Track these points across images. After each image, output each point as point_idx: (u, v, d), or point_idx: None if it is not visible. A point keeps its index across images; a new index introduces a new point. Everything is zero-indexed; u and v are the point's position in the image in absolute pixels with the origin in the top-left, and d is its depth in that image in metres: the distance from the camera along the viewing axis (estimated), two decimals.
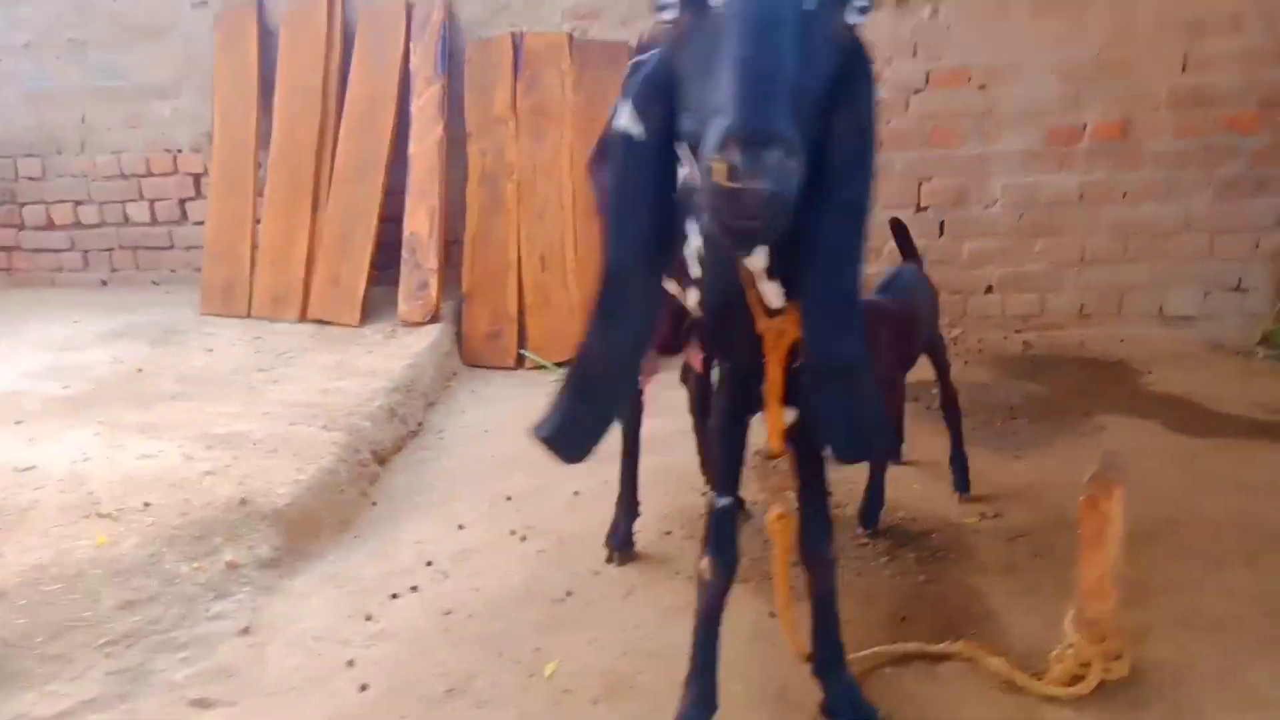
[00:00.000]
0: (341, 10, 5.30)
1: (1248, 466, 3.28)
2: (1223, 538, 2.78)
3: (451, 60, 5.18)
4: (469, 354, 4.92)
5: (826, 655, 2.10)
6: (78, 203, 6.01)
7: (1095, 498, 2.06)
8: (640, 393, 2.76)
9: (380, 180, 5.10)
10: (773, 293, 1.65)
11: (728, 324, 1.80)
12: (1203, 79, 4.59)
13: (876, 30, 4.77)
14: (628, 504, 2.85)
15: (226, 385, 4.07)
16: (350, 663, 2.34)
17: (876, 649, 2.28)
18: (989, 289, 5.04)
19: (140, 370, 4.31)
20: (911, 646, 2.28)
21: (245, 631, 2.47)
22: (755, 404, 1.86)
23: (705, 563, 1.94)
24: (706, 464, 2.81)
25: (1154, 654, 2.24)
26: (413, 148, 5.12)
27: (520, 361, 4.83)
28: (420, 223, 5.05)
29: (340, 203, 5.17)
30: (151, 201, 5.92)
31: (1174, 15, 4.53)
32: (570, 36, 5.06)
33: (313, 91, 5.27)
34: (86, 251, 6.09)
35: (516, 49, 5.11)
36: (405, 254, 5.04)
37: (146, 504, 2.83)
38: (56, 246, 6.12)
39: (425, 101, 5.14)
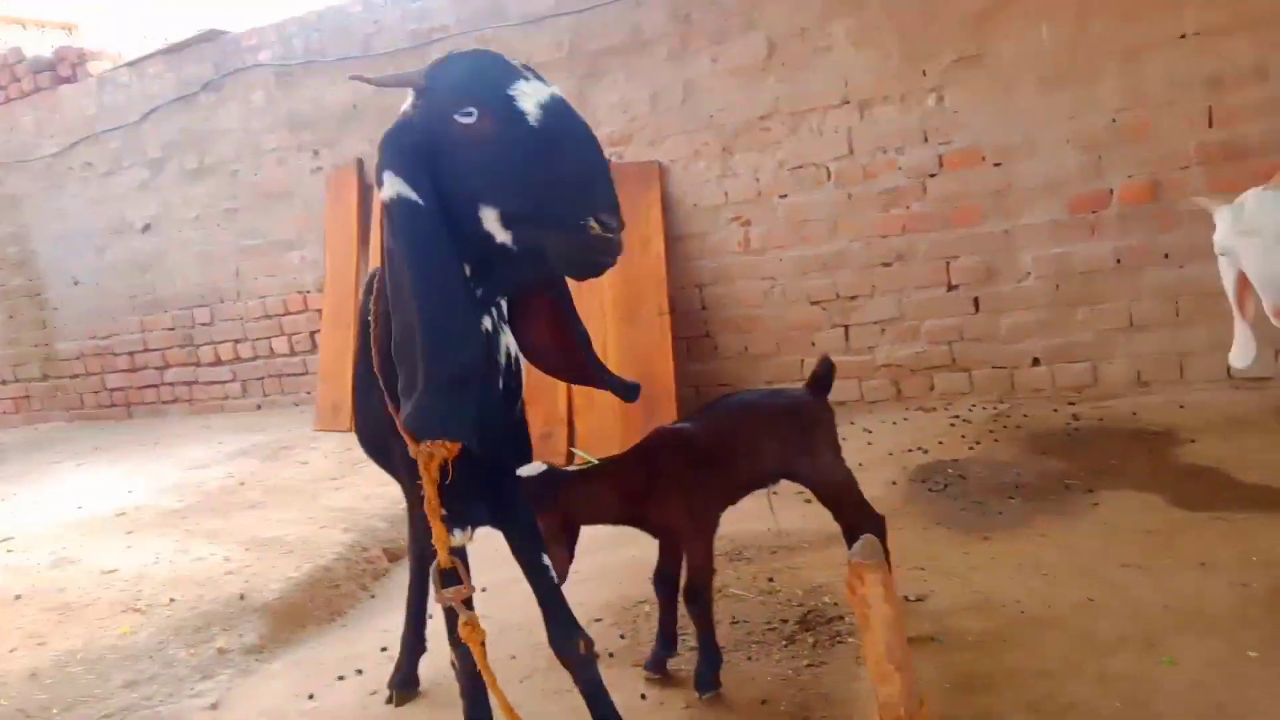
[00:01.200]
0: None
1: (1227, 542, 3.04)
2: (1135, 620, 2.63)
3: None
4: None
5: None
6: (236, 341, 7.13)
7: (851, 583, 2.12)
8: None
9: None
10: None
11: (385, 453, 2.07)
12: (1232, 133, 4.36)
13: (884, 123, 4.92)
14: (411, 640, 2.85)
15: (297, 494, 4.72)
16: None
17: None
18: (1035, 361, 4.89)
19: (242, 483, 5.07)
20: None
21: (213, 707, 2.95)
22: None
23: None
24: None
25: None
26: None
27: (570, 459, 5.20)
28: None
29: None
30: (290, 335, 6.91)
31: (1189, 73, 4.36)
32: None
33: None
34: (245, 381, 7.17)
35: None
36: None
37: (171, 599, 3.43)
38: (223, 379, 7.25)
39: None
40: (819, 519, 3.75)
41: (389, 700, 2.85)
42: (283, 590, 3.46)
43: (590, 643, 2.32)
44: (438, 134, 1.74)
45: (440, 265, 1.74)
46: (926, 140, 4.89)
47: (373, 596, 3.73)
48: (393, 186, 1.73)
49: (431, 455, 1.93)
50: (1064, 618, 2.71)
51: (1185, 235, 4.50)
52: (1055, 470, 3.98)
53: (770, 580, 3.30)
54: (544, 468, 2.56)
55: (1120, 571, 2.94)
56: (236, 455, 5.68)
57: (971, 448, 4.40)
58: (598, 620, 3.18)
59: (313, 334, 6.82)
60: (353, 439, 5.54)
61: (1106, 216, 4.63)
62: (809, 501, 3.88)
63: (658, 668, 2.74)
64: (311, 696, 2.93)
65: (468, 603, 2.10)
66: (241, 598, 3.39)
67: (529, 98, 1.70)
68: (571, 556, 2.54)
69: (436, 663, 2.94)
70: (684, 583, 2.63)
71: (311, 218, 6.64)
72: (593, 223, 1.64)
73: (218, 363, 7.25)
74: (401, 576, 3.88)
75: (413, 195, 1.72)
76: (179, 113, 7.00)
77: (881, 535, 2.83)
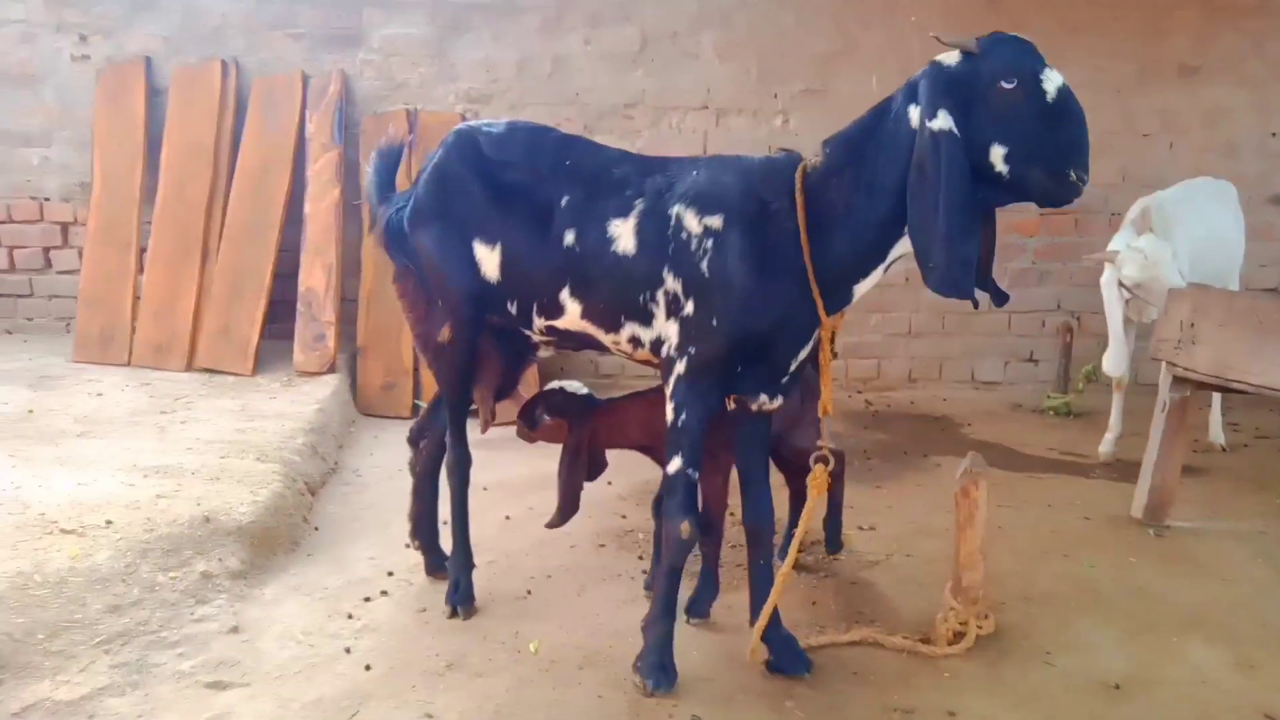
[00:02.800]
0: (235, 75, 5.50)
1: (1050, 491, 4.08)
2: (1042, 539, 3.51)
3: (347, 131, 5.47)
4: (364, 404, 5.12)
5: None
6: None
7: (967, 488, 2.66)
8: (467, 452, 2.93)
9: (274, 238, 5.27)
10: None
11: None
12: None
13: (737, 133, 5.53)
14: (463, 559, 2.93)
15: (131, 425, 4.10)
16: (347, 650, 2.57)
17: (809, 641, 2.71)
18: (835, 355, 5.79)
19: (31, 411, 4.24)
20: (828, 639, 2.72)
21: (234, 630, 2.64)
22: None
23: (685, 525, 2.42)
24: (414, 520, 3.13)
25: (1007, 618, 2.86)
26: (308, 208, 5.34)
27: (415, 411, 5.08)
28: (317, 279, 5.24)
29: (231, 258, 5.28)
30: (11, 249, 5.75)
31: None
32: (462, 117, 5.50)
33: (204, 151, 5.39)
34: None
35: (411, 123, 5.48)
36: (301, 308, 5.21)
37: (108, 521, 2.92)
38: None
39: (321, 166, 5.39)
40: None
41: (453, 615, 2.80)
42: (255, 514, 3.09)
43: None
44: (979, 89, 2.17)
45: (962, 181, 2.16)
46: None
47: (315, 528, 3.45)
48: (946, 120, 2.16)
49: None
50: (991, 538, 3.43)
51: None
52: (885, 441, 4.86)
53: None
54: (586, 389, 2.88)
55: (1000, 510, 3.78)
56: None
57: None
58: (601, 546, 3.35)
59: (47, 250, 5.75)
60: (144, 374, 4.91)
61: None
62: None
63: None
64: (350, 616, 2.76)
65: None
66: (206, 520, 2.98)
67: (1049, 81, 2.15)
68: (591, 476, 2.87)
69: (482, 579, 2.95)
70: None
71: (66, 114, 5.61)
72: (1072, 175, 2.14)
73: None
74: (325, 510, 3.66)
75: (955, 130, 2.15)
76: None
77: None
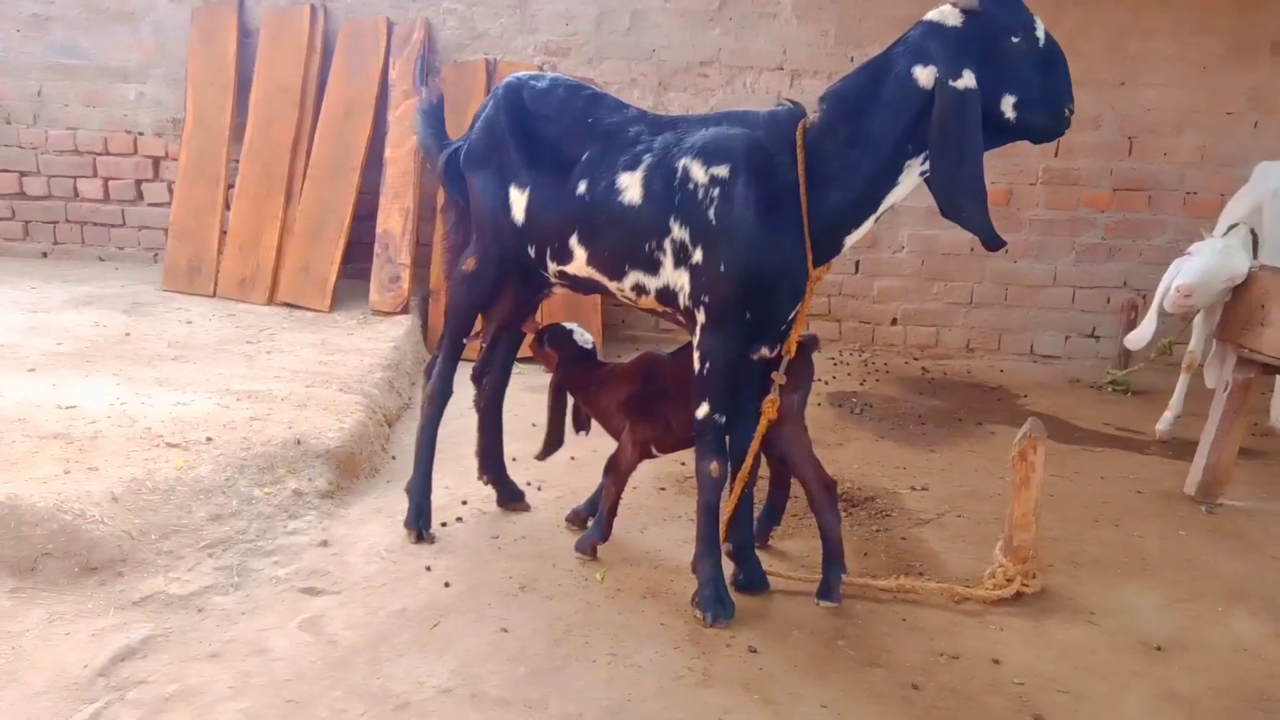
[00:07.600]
0: (324, 20, 5.66)
1: (1104, 464, 4.13)
2: (1093, 509, 3.57)
3: (428, 78, 5.61)
4: (435, 344, 5.29)
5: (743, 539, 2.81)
6: (23, 174, 6.04)
7: (1025, 451, 2.75)
8: (450, 386, 3.17)
9: (355, 180, 5.46)
10: None
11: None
12: (1070, 163, 5.60)
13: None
14: (423, 485, 3.04)
15: (221, 352, 4.34)
16: (427, 568, 2.76)
17: (855, 580, 2.83)
18: (894, 321, 5.86)
19: (127, 334, 4.50)
20: (874, 582, 2.84)
21: (324, 544, 2.85)
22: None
23: (714, 465, 2.59)
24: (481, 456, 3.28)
25: (1054, 580, 2.95)
26: (389, 153, 5.51)
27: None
28: (394, 221, 5.43)
29: (313, 197, 5.48)
30: (106, 180, 6.03)
31: None
32: (539, 69, 5.60)
33: (291, 93, 5.58)
34: (28, 222, 6.11)
35: (490, 74, 5.59)
36: (378, 249, 5.40)
37: (209, 438, 3.15)
38: None
39: (403, 112, 5.54)
40: None
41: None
42: (341, 439, 3.31)
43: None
44: (990, 45, 2.37)
45: (981, 134, 2.35)
46: None
47: (393, 458, 3.66)
48: (970, 79, 2.34)
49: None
50: (1043, 505, 3.51)
51: (1024, 237, 5.70)
52: (940, 407, 4.92)
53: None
54: (590, 343, 3.07)
55: (1053, 479, 3.82)
56: (79, 304, 4.95)
57: (862, 383, 5.24)
58: (662, 489, 3.50)
59: (139, 182, 6.02)
60: (228, 305, 5.14)
61: None
62: None
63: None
64: (433, 540, 2.95)
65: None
66: (298, 442, 3.20)
67: (1039, 28, 2.41)
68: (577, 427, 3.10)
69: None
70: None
71: (162, 51, 5.84)
72: (1067, 110, 2.42)
73: None
74: (401, 442, 3.86)
75: (976, 87, 2.32)
76: None
77: None
